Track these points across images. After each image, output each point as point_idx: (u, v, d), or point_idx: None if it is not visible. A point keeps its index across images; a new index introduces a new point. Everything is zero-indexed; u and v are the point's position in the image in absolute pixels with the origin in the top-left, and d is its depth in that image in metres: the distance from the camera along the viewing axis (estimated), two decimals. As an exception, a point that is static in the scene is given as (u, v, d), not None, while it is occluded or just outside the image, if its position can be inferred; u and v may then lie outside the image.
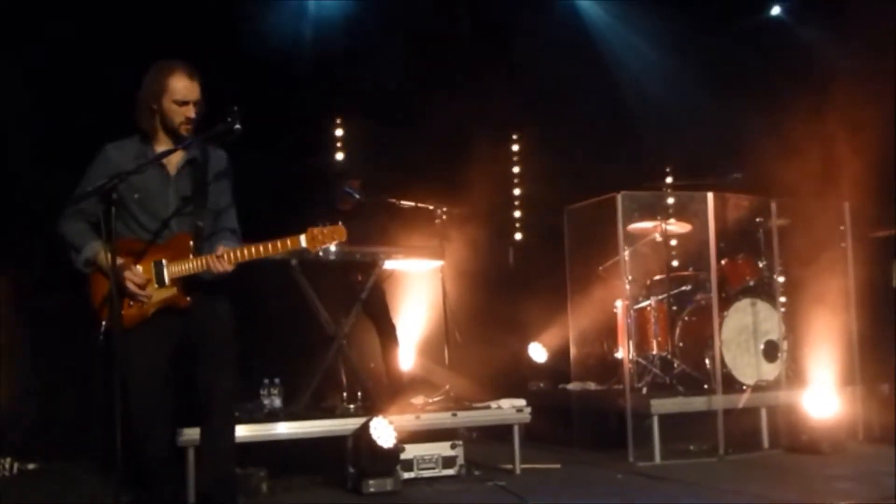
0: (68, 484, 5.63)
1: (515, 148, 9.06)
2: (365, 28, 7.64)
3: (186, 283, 3.75)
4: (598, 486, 5.42)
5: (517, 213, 8.99)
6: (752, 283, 6.85)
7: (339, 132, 8.15)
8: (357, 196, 6.47)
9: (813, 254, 6.89)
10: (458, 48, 7.81)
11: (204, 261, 3.71)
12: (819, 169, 6.73)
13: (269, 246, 3.71)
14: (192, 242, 3.77)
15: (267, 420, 5.32)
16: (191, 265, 3.73)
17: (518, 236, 8.94)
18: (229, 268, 3.69)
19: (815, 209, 6.90)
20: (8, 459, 5.92)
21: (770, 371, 6.64)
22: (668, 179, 7.16)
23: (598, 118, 8.10)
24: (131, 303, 3.69)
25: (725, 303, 6.63)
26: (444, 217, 6.66)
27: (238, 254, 3.70)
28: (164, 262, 3.73)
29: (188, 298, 3.75)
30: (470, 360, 6.80)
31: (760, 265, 6.90)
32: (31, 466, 5.98)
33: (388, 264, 6.14)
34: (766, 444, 6.35)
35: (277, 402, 5.58)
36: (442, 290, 6.55)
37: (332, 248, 3.84)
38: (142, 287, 3.69)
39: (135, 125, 3.87)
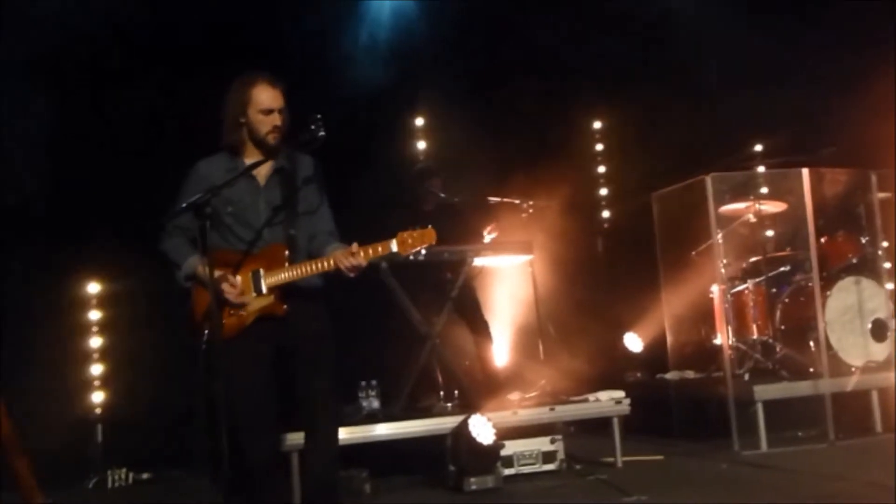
0: (179, 492, 5.82)
1: (599, 136, 8.95)
2: (442, 25, 7.66)
3: (283, 291, 3.81)
4: (703, 476, 5.31)
5: (604, 203, 8.89)
6: (854, 261, 6.60)
7: (419, 131, 8.19)
8: (440, 195, 6.49)
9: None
10: (536, 39, 7.73)
11: (314, 265, 3.75)
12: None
13: (361, 253, 3.73)
14: (287, 252, 3.83)
15: (366, 422, 5.38)
16: (288, 274, 3.79)
17: (606, 225, 8.83)
18: (364, 262, 3.72)
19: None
20: (123, 470, 6.14)
21: (879, 351, 6.37)
22: (759, 158, 6.94)
23: (681, 99, 7.90)
24: (231, 312, 3.78)
25: (827, 282, 6.39)
26: (531, 211, 6.63)
27: (372, 250, 3.73)
28: (261, 271, 3.80)
29: (285, 306, 3.81)
30: (565, 354, 6.75)
31: (863, 241, 6.64)
32: (144, 476, 6.18)
33: (478, 261, 6.14)
34: (878, 427, 6.11)
35: (375, 403, 5.65)
36: (533, 284, 6.53)
37: (423, 251, 3.80)
38: (240, 297, 3.77)
39: (222, 141, 3.94)
